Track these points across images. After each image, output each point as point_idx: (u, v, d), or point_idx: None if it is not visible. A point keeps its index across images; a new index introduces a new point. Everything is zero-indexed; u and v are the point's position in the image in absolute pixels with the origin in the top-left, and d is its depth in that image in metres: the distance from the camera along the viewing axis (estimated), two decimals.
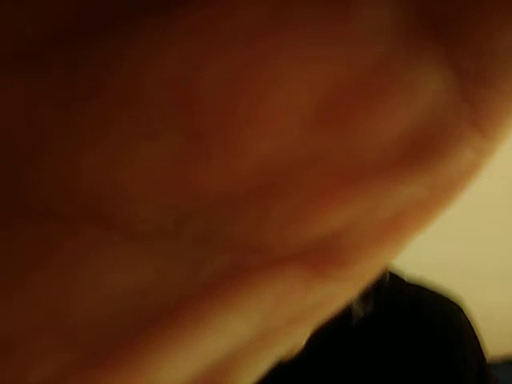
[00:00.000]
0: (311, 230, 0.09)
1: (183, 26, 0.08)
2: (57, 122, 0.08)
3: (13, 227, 0.08)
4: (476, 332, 0.70)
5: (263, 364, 0.10)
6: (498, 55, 0.09)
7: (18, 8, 0.08)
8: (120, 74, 0.08)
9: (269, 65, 0.08)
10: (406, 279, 0.70)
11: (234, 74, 0.08)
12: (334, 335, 0.60)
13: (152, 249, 0.09)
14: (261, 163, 0.09)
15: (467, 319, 0.70)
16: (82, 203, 0.08)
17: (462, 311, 0.70)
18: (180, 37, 0.08)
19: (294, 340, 0.11)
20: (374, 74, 0.09)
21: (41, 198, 0.08)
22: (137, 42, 0.08)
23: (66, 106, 0.08)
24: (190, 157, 0.09)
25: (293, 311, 0.10)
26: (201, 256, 0.09)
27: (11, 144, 0.08)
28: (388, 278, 0.66)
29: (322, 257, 0.10)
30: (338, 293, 0.10)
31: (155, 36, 0.08)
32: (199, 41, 0.08)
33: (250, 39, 0.08)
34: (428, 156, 0.09)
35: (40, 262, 0.08)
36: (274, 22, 0.08)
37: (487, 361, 0.71)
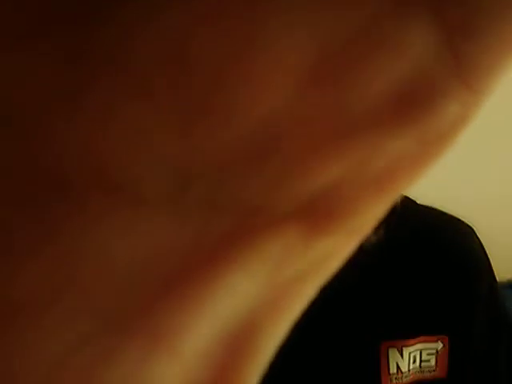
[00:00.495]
0: (307, 186, 0.10)
1: None
2: (63, 95, 0.08)
3: (24, 198, 0.09)
4: (486, 253, 0.70)
5: (281, 327, 0.11)
6: (484, 10, 0.09)
7: None
8: (120, 45, 0.08)
9: (261, 25, 0.09)
10: (418, 202, 0.70)
11: (228, 36, 0.09)
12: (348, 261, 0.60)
13: (159, 213, 0.09)
14: (257, 123, 0.09)
15: (479, 241, 0.70)
16: (90, 171, 0.09)
17: (475, 233, 0.70)
18: (175, 5, 0.09)
19: (304, 299, 0.11)
20: (363, 32, 0.09)
21: (49, 168, 0.09)
22: (133, 12, 0.08)
23: (65, 76, 0.08)
24: (190, 121, 0.09)
25: (297, 268, 0.10)
26: (205, 219, 0.09)
27: (14, 117, 0.08)
28: (400, 201, 0.65)
29: (319, 212, 0.10)
30: (338, 247, 0.11)
31: (150, 4, 0.08)
32: (193, 5, 0.09)
33: (244, 4, 0.09)
34: (417, 110, 0.10)
35: (52, 231, 0.09)
36: None
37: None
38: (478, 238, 0.70)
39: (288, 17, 0.09)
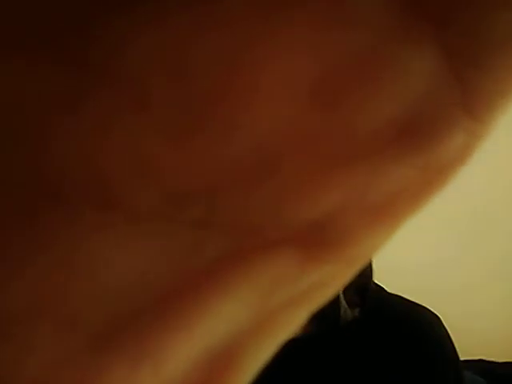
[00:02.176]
0: (305, 211, 0.09)
1: (178, 4, 0.08)
2: (62, 106, 0.08)
3: (20, 208, 0.08)
4: (452, 342, 0.71)
5: (265, 352, 0.10)
6: (490, 37, 0.09)
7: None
8: (118, 55, 0.08)
9: (264, 44, 0.09)
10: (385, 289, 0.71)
11: (230, 52, 0.09)
12: (321, 337, 0.60)
13: (152, 231, 0.09)
14: (256, 144, 0.09)
15: (445, 329, 0.71)
16: (87, 184, 0.09)
17: (441, 321, 0.71)
18: (175, 13, 0.08)
19: (293, 326, 0.11)
20: (366, 55, 0.09)
21: (47, 179, 0.08)
22: (129, 14, 0.08)
23: (69, 88, 0.08)
24: (188, 135, 0.09)
25: (289, 294, 0.10)
26: (199, 239, 0.09)
27: (9, 128, 0.08)
28: (372, 285, 0.67)
29: (316, 239, 0.10)
30: (333, 275, 0.10)
31: (146, 9, 0.08)
32: (194, 17, 0.08)
33: (247, 19, 0.09)
34: (421, 137, 0.10)
35: (43, 245, 0.09)
36: (270, 2, 0.09)
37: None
38: (444, 326, 0.71)
39: (293, 35, 0.09)
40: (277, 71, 0.09)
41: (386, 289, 0.71)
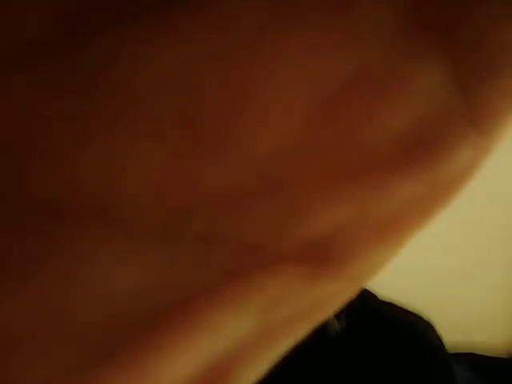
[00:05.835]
0: (308, 228, 0.09)
1: (182, 26, 0.08)
2: (58, 120, 0.08)
3: (15, 226, 0.08)
4: (445, 348, 0.72)
5: (264, 363, 0.10)
6: (498, 54, 0.09)
7: (17, 9, 0.08)
8: (119, 72, 0.08)
9: (270, 61, 0.09)
10: (375, 294, 0.71)
11: (234, 71, 0.08)
12: (310, 349, 0.61)
13: (153, 247, 0.09)
14: (257, 161, 0.09)
15: (439, 336, 0.71)
16: (84, 201, 0.08)
17: (434, 329, 0.71)
18: (178, 35, 0.08)
19: (294, 339, 0.10)
20: (374, 70, 0.09)
21: (42, 196, 0.08)
22: (135, 40, 0.08)
23: (66, 105, 0.08)
24: (190, 156, 0.09)
25: (292, 310, 0.10)
26: (201, 255, 0.09)
27: (12, 142, 0.08)
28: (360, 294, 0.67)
29: (321, 255, 0.10)
30: (337, 291, 0.10)
31: (153, 35, 0.08)
32: (197, 39, 0.08)
33: (250, 37, 0.08)
34: (427, 153, 0.10)
35: (43, 261, 0.08)
36: (275, 20, 0.09)
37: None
38: (438, 335, 0.71)
39: (298, 49, 0.09)
40: (280, 87, 0.09)
41: (380, 292, 0.71)
